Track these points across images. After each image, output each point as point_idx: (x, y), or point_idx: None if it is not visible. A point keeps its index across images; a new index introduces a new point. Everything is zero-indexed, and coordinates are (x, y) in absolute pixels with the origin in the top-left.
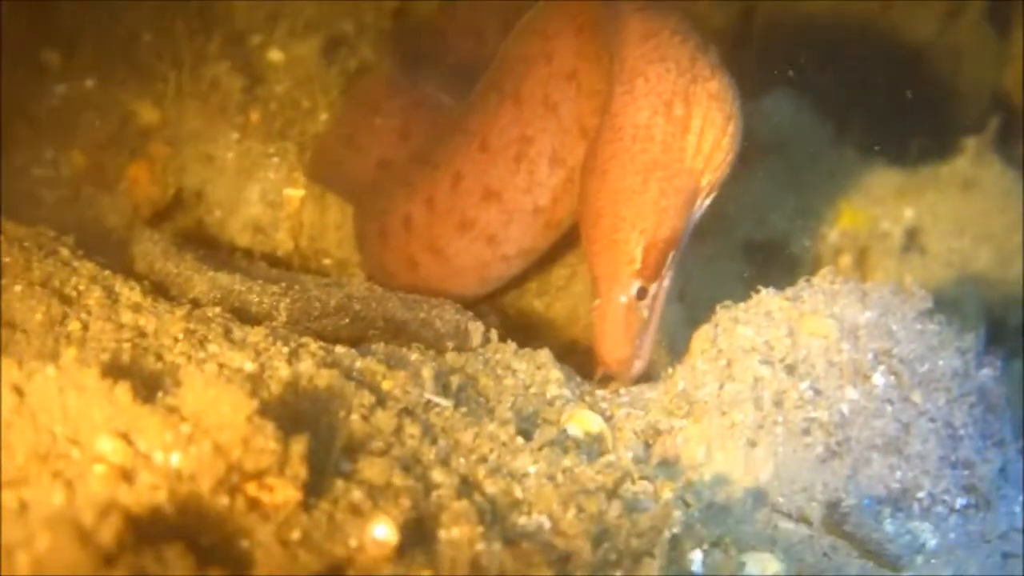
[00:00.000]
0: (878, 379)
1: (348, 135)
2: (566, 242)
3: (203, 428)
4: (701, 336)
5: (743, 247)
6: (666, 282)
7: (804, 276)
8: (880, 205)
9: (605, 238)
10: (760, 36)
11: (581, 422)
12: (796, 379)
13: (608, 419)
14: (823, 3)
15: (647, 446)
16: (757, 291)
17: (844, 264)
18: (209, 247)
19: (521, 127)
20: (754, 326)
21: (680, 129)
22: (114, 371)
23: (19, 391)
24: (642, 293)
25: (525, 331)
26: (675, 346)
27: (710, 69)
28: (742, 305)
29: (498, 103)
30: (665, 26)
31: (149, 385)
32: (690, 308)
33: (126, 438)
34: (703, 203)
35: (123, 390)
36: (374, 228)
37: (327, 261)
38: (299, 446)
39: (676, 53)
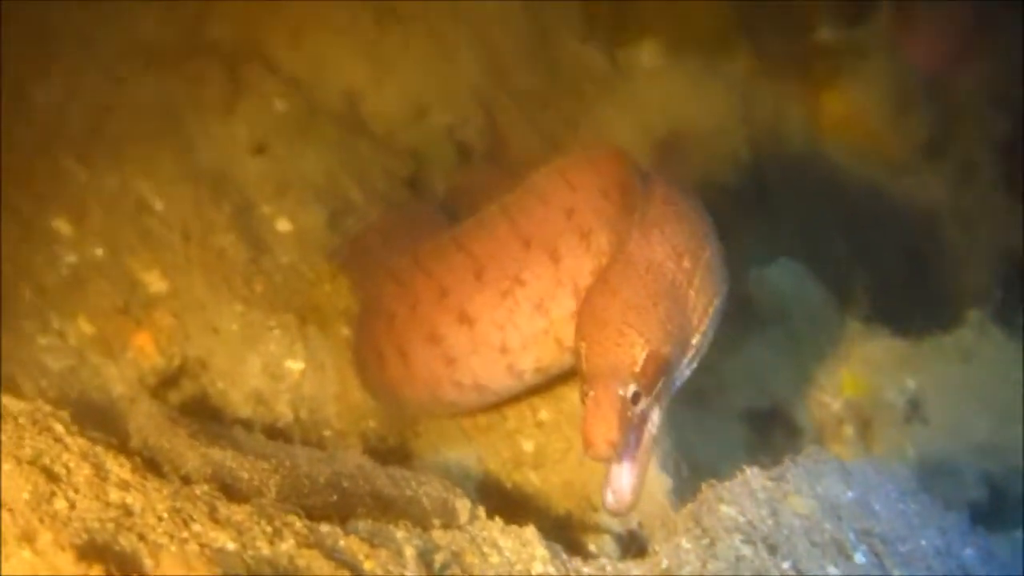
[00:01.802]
0: (859, 558)
1: (381, 235)
2: (562, 414)
3: None
4: (685, 514)
5: (744, 415)
6: (655, 416)
7: (805, 445)
8: (883, 375)
9: (609, 342)
10: (769, 202)
11: None
12: (778, 558)
13: None
14: (833, 169)
15: None
16: (747, 468)
17: (847, 433)
18: (211, 418)
19: (519, 268)
20: (737, 505)
21: (686, 279)
22: (91, 554)
23: None
24: (636, 398)
25: (520, 504)
26: (667, 518)
27: (712, 247)
28: (727, 484)
29: (506, 238)
30: (686, 197)
31: (127, 566)
32: (690, 477)
33: None
34: (689, 363)
35: (97, 573)
36: (364, 318)
37: (327, 432)
38: None
39: (691, 221)
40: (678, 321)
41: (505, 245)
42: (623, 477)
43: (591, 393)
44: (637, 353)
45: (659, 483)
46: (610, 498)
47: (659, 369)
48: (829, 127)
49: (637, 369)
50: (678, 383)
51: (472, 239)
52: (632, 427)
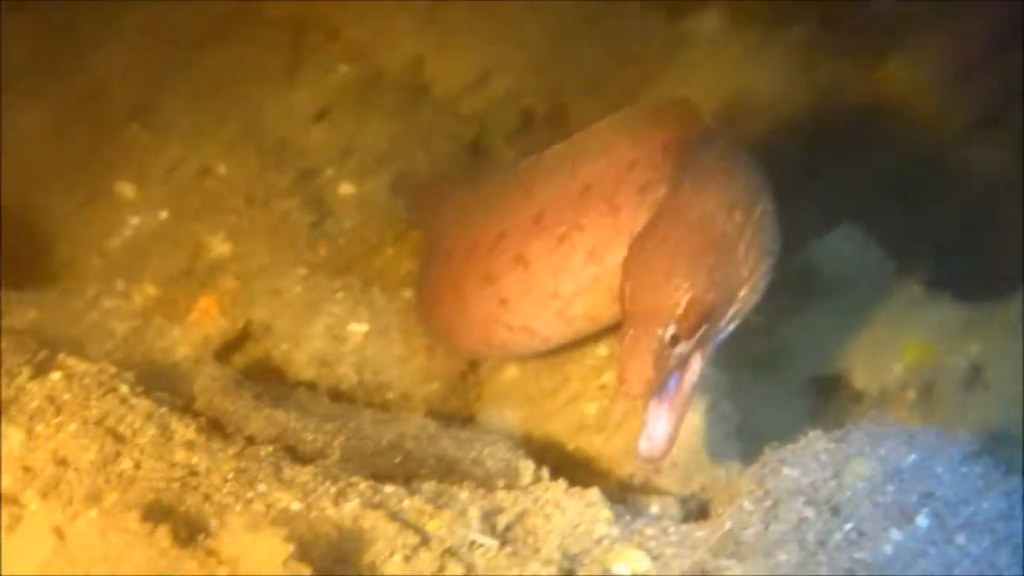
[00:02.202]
0: (922, 521)
1: (448, 184)
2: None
3: (240, 572)
4: (748, 476)
5: (807, 383)
6: (695, 364)
7: (867, 411)
8: (945, 340)
9: (654, 283)
10: (829, 170)
11: (629, 561)
12: (841, 520)
13: (655, 558)
14: (892, 138)
15: None
16: (809, 431)
17: (909, 399)
18: (275, 380)
19: (578, 215)
20: (800, 467)
21: (736, 232)
22: (156, 514)
23: (60, 533)
24: (675, 340)
25: (583, 467)
26: (729, 481)
27: (765, 205)
28: (789, 446)
29: (567, 183)
30: (744, 155)
31: (192, 527)
32: (750, 443)
33: None
34: (732, 318)
35: (163, 533)
36: (426, 259)
37: (390, 395)
38: None
39: (746, 177)
40: (725, 271)
41: (565, 190)
42: (659, 424)
43: (630, 331)
44: (680, 296)
45: (722, 448)
46: (644, 444)
47: (702, 315)
48: (888, 96)
49: (679, 311)
50: (723, 333)
51: (533, 180)
52: (669, 369)
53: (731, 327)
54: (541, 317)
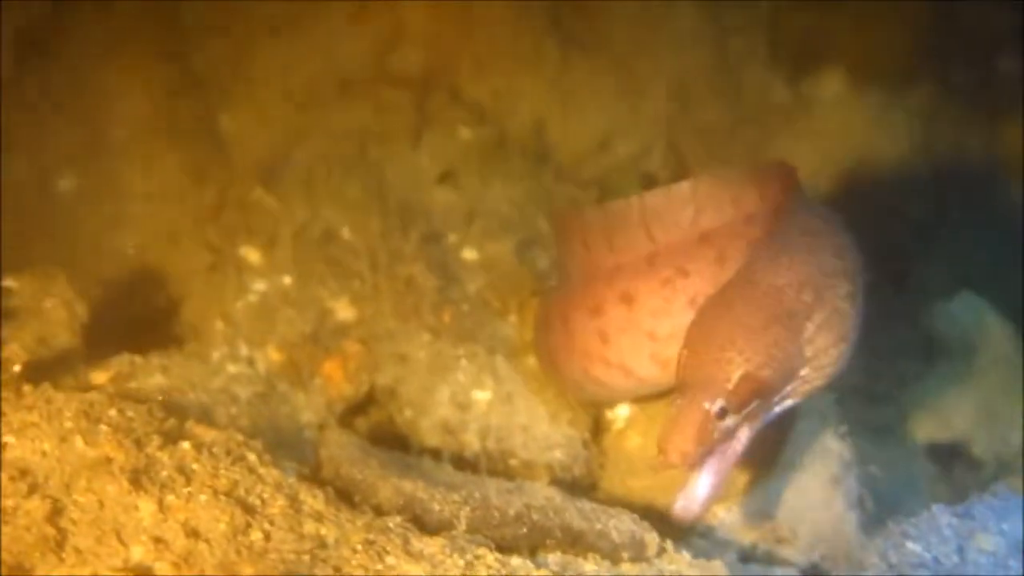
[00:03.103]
0: None
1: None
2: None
3: None
4: (872, 550)
5: (927, 449)
6: (743, 436)
7: (986, 479)
8: None
9: (709, 354)
10: (952, 232)
11: None
12: None
13: None
14: (1013, 200)
15: None
16: (933, 505)
17: None
18: (399, 446)
19: (687, 260)
20: (924, 542)
21: (803, 311)
22: None
23: None
24: (722, 413)
25: (707, 536)
26: (852, 552)
27: (844, 287)
28: (912, 520)
29: (685, 228)
30: (833, 233)
31: None
32: (874, 511)
33: None
34: (788, 396)
35: None
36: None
37: (513, 462)
38: None
39: (825, 256)
40: (787, 349)
41: (682, 234)
42: (697, 488)
43: (679, 400)
44: (733, 371)
45: (845, 518)
46: (679, 503)
47: (754, 391)
48: (1009, 156)
49: (730, 386)
50: (778, 409)
51: (655, 220)
52: (712, 442)
53: (788, 403)
54: (637, 357)
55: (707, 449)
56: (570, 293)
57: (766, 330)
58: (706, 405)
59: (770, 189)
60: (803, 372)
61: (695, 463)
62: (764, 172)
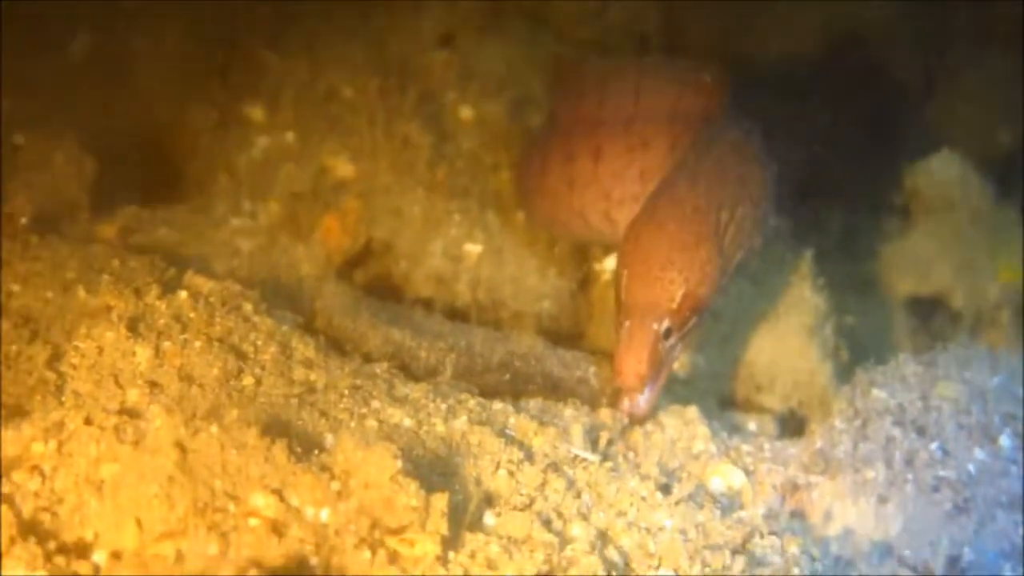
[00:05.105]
0: (1004, 440)
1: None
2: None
3: (350, 486)
4: (840, 397)
5: (907, 301)
6: (678, 349)
7: (964, 329)
8: None
9: (651, 274)
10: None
11: (724, 476)
12: (927, 440)
13: (750, 473)
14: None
15: (783, 500)
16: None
17: (1003, 318)
18: (394, 296)
19: (653, 135)
20: (889, 389)
21: (722, 228)
22: (274, 429)
23: (183, 447)
24: (667, 334)
25: (687, 383)
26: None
27: (755, 203)
28: (879, 368)
29: (659, 104)
30: (752, 148)
31: (308, 443)
32: (850, 360)
33: (279, 494)
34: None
35: (280, 449)
36: (541, 128)
37: (503, 313)
38: (440, 503)
39: (737, 179)
40: (717, 264)
41: (659, 109)
42: (641, 400)
43: (627, 324)
44: (676, 291)
45: (820, 368)
46: (627, 410)
47: (693, 308)
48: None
49: (674, 306)
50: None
51: (646, 89)
52: (660, 361)
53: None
54: (593, 210)
55: (658, 369)
56: (552, 137)
57: (698, 248)
58: (655, 327)
59: (704, 94)
60: (723, 282)
61: (649, 382)
62: (704, 74)
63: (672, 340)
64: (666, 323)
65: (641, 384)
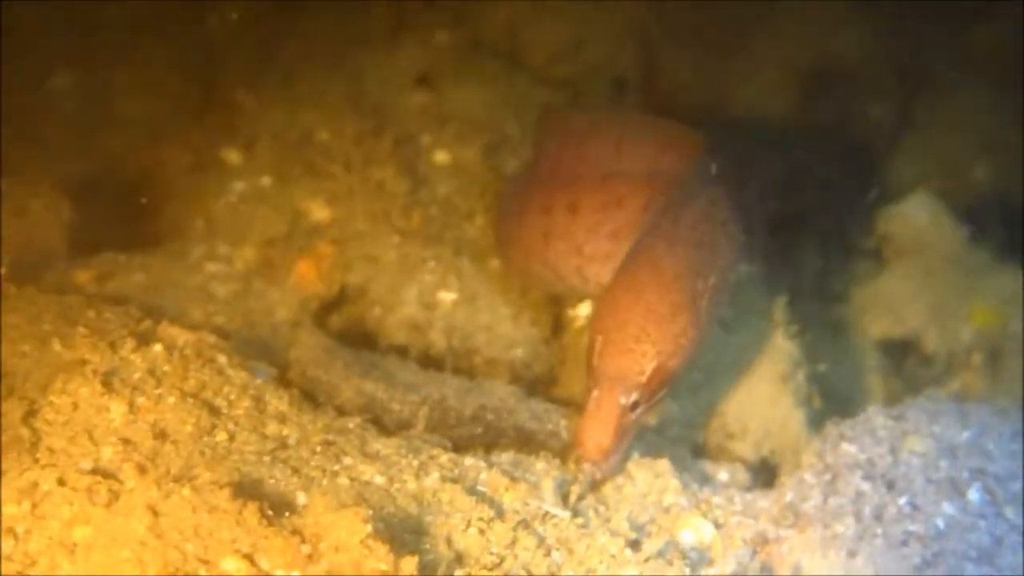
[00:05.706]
0: (973, 495)
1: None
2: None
3: (320, 549)
4: (810, 451)
5: (880, 345)
6: (645, 415)
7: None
8: (1012, 306)
9: (625, 345)
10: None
11: (694, 530)
12: (896, 494)
13: (720, 527)
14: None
15: (754, 554)
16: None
17: (976, 362)
18: (369, 343)
19: (628, 192)
20: (858, 443)
21: (698, 297)
22: (246, 490)
23: (155, 511)
24: (634, 407)
25: (659, 432)
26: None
27: (720, 275)
28: (848, 422)
29: (642, 161)
30: (721, 222)
31: (279, 503)
32: (823, 408)
33: (250, 558)
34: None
35: (251, 512)
36: (520, 176)
37: (476, 360)
38: (408, 567)
39: (714, 246)
40: (691, 336)
41: (639, 167)
42: (603, 466)
43: (595, 393)
44: (647, 363)
45: (793, 415)
46: (588, 474)
47: (663, 382)
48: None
49: (643, 379)
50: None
51: (631, 144)
52: (624, 432)
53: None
54: (565, 266)
55: (621, 442)
56: (531, 186)
57: (675, 320)
58: (622, 400)
59: (682, 156)
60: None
61: (611, 455)
62: (680, 134)
63: (638, 412)
64: (634, 396)
65: (604, 456)
